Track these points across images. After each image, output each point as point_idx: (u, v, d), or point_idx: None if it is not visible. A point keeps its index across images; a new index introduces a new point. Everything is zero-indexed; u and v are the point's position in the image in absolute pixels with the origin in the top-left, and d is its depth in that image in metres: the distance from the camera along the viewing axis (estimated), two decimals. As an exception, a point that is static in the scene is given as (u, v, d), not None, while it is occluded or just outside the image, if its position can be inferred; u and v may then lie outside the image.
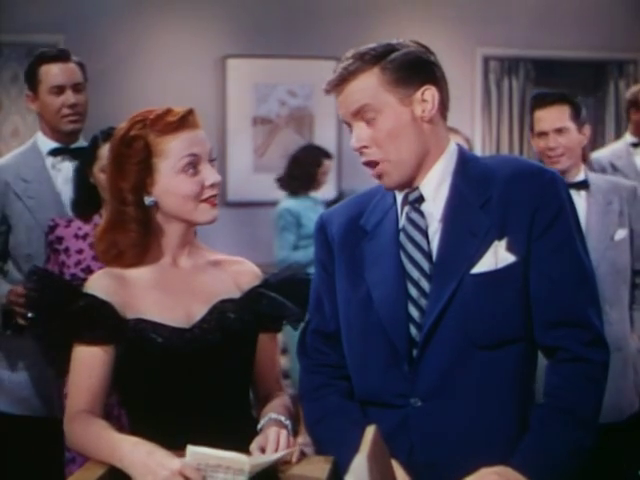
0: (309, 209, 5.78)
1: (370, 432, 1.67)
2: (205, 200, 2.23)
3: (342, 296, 2.18)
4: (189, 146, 2.22)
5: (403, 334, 2.06)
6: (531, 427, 2.02)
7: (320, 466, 2.08)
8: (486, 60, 7.40)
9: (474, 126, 7.32)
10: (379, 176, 2.09)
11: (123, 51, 6.71)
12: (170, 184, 2.21)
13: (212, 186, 2.23)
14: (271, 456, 2.04)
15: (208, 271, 2.32)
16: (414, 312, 2.07)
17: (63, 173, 3.51)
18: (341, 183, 7.02)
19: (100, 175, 3.19)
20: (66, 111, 3.46)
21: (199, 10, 6.88)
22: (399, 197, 2.14)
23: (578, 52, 7.42)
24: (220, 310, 2.25)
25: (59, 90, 3.46)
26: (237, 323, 2.25)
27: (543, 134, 3.54)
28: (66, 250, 3.22)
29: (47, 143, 3.52)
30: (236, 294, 2.31)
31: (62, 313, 2.17)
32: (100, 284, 2.22)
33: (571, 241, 2.07)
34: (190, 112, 2.25)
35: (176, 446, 2.00)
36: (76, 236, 3.23)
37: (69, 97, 3.46)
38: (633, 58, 7.55)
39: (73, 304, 2.18)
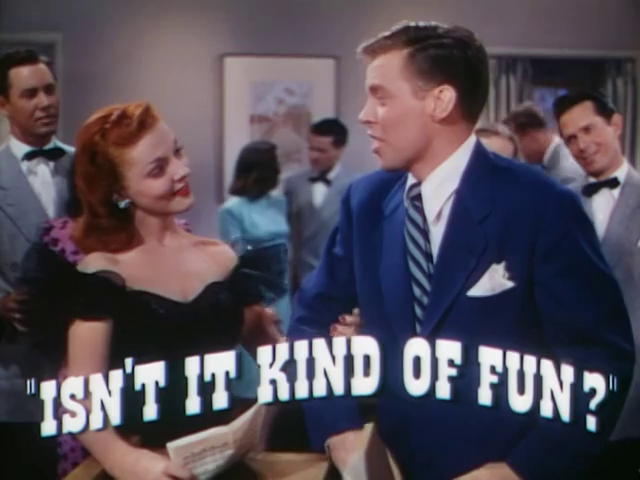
0: None
1: (368, 430, 1.67)
2: (177, 194, 2.26)
3: (358, 280, 2.17)
4: (152, 150, 2.23)
5: (409, 333, 2.02)
6: (536, 425, 1.95)
7: (314, 473, 2.08)
8: (484, 58, 7.40)
9: (472, 124, 7.32)
10: (376, 153, 2.08)
11: (120, 50, 6.70)
12: (139, 188, 2.24)
13: (181, 179, 2.26)
14: (246, 415, 2.04)
15: (192, 251, 2.36)
16: (418, 310, 2.06)
17: (40, 176, 3.47)
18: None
19: None
20: (40, 114, 3.40)
21: (196, 9, 6.87)
22: (407, 188, 2.11)
23: (576, 50, 7.41)
24: (213, 291, 2.30)
25: (31, 93, 3.39)
26: (230, 303, 2.31)
27: (572, 137, 3.43)
28: (62, 252, 3.19)
29: (21, 147, 3.47)
30: (219, 275, 2.35)
31: (64, 290, 2.19)
32: (97, 263, 2.23)
33: (581, 261, 1.99)
34: (146, 111, 2.23)
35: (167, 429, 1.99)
36: (72, 237, 3.22)
37: (42, 99, 3.39)
38: (631, 56, 7.54)
39: (78, 282, 2.19)
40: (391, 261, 2.08)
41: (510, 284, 1.97)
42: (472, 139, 2.09)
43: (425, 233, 2.05)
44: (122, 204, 2.27)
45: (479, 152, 2.09)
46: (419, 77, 2.00)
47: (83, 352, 2.17)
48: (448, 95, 2.00)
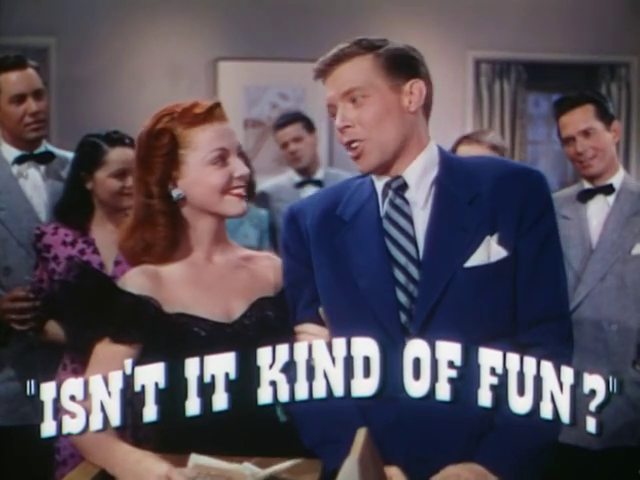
0: None
1: (361, 435, 1.67)
2: (232, 192, 2.24)
3: (325, 288, 2.18)
4: (218, 139, 2.25)
5: (394, 321, 2.07)
6: (496, 423, 2.03)
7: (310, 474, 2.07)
8: (477, 63, 7.40)
9: (465, 129, 7.31)
10: (358, 156, 2.13)
11: (115, 54, 6.70)
12: (198, 176, 2.23)
13: (240, 178, 2.25)
14: (278, 467, 2.02)
15: (241, 267, 2.32)
16: (402, 298, 2.08)
17: (31, 180, 3.48)
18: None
19: (110, 180, 3.18)
20: (29, 120, 3.41)
21: (190, 13, 6.87)
22: (379, 187, 2.17)
23: (570, 55, 7.42)
24: (260, 307, 2.25)
25: (20, 99, 3.39)
26: (277, 321, 2.24)
27: (570, 139, 3.43)
28: (55, 258, 3.20)
29: (11, 151, 3.47)
30: (269, 290, 2.31)
31: (103, 310, 2.15)
32: (135, 282, 2.20)
33: (554, 239, 2.13)
34: (217, 105, 2.28)
35: (204, 447, 2.00)
36: (64, 243, 3.21)
37: (31, 105, 3.39)
38: (625, 61, 7.55)
39: (115, 302, 2.16)
40: (366, 256, 2.12)
41: (505, 252, 2.08)
42: (433, 139, 2.21)
43: (411, 219, 2.12)
44: (175, 193, 2.25)
45: (442, 149, 2.22)
46: (390, 74, 2.11)
47: (100, 370, 2.12)
48: (418, 87, 2.13)
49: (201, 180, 2.23)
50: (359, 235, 2.14)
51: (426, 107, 2.17)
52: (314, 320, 2.20)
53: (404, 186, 2.14)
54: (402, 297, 2.08)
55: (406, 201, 2.13)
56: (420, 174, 2.14)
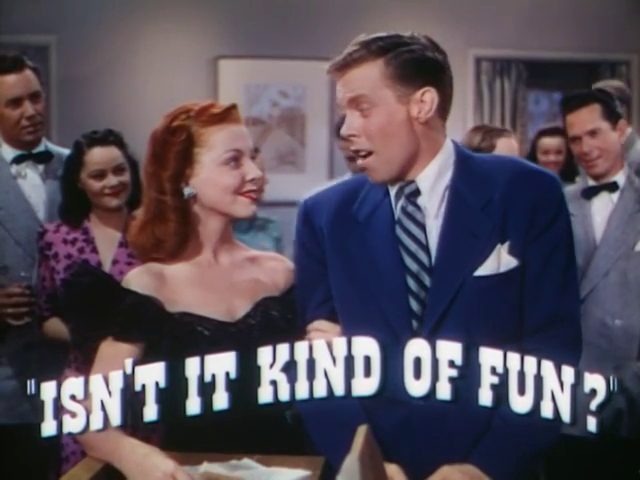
0: None
1: (362, 432, 1.67)
2: (244, 194, 2.25)
3: (339, 289, 2.16)
4: (233, 140, 2.25)
5: (406, 328, 2.06)
6: (494, 424, 2.02)
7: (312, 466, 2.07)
8: (478, 61, 7.40)
9: (466, 127, 7.29)
10: (365, 169, 2.09)
11: (115, 52, 6.70)
12: (211, 175, 2.23)
13: (252, 180, 2.25)
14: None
15: (246, 267, 2.33)
16: (414, 305, 2.07)
17: (29, 179, 3.48)
18: (333, 184, 7.01)
19: (89, 181, 3.20)
20: (25, 123, 3.41)
21: (191, 11, 6.87)
22: (392, 189, 2.13)
23: (570, 53, 7.42)
24: (264, 307, 2.25)
25: (16, 102, 3.39)
26: (281, 321, 2.25)
27: (576, 139, 3.45)
28: (55, 256, 3.22)
29: (9, 151, 3.48)
30: (274, 291, 2.31)
31: (106, 309, 2.16)
32: (140, 281, 2.22)
33: (565, 244, 2.09)
34: (234, 106, 2.29)
35: (209, 449, 2.02)
36: (65, 241, 3.23)
37: (27, 109, 3.39)
38: (625, 59, 7.55)
39: (118, 301, 2.17)
40: (379, 261, 2.10)
41: (515, 262, 2.05)
42: (447, 137, 2.15)
43: (424, 227, 2.08)
44: (186, 192, 2.25)
45: (458, 147, 2.15)
46: (400, 83, 2.04)
47: (103, 369, 2.12)
48: (430, 96, 2.05)
49: (214, 180, 2.24)
50: (372, 239, 2.12)
51: (442, 111, 2.09)
52: (326, 319, 2.19)
53: (417, 192, 2.10)
54: (414, 304, 2.07)
55: (418, 208, 2.09)
56: (434, 179, 2.09)
